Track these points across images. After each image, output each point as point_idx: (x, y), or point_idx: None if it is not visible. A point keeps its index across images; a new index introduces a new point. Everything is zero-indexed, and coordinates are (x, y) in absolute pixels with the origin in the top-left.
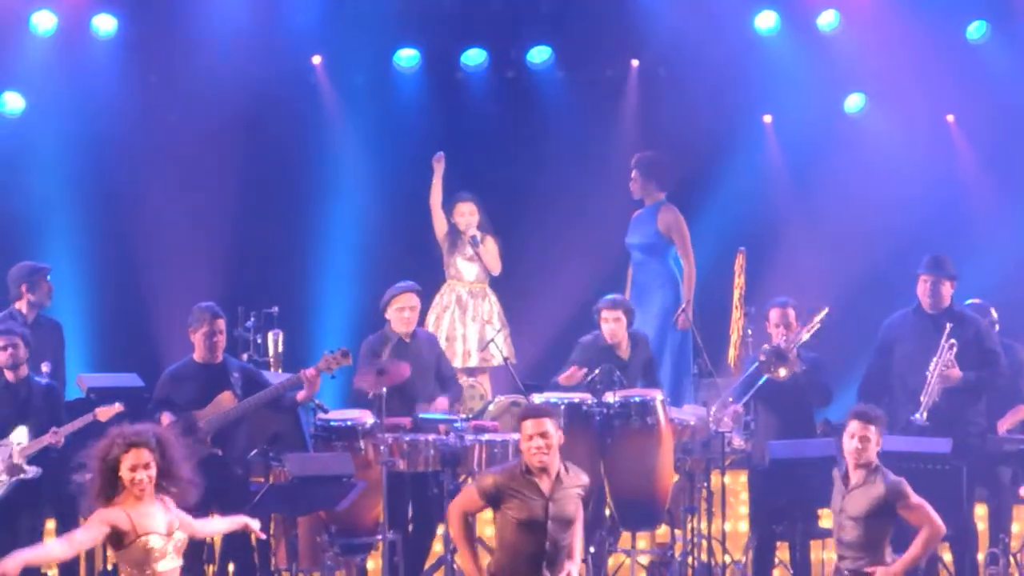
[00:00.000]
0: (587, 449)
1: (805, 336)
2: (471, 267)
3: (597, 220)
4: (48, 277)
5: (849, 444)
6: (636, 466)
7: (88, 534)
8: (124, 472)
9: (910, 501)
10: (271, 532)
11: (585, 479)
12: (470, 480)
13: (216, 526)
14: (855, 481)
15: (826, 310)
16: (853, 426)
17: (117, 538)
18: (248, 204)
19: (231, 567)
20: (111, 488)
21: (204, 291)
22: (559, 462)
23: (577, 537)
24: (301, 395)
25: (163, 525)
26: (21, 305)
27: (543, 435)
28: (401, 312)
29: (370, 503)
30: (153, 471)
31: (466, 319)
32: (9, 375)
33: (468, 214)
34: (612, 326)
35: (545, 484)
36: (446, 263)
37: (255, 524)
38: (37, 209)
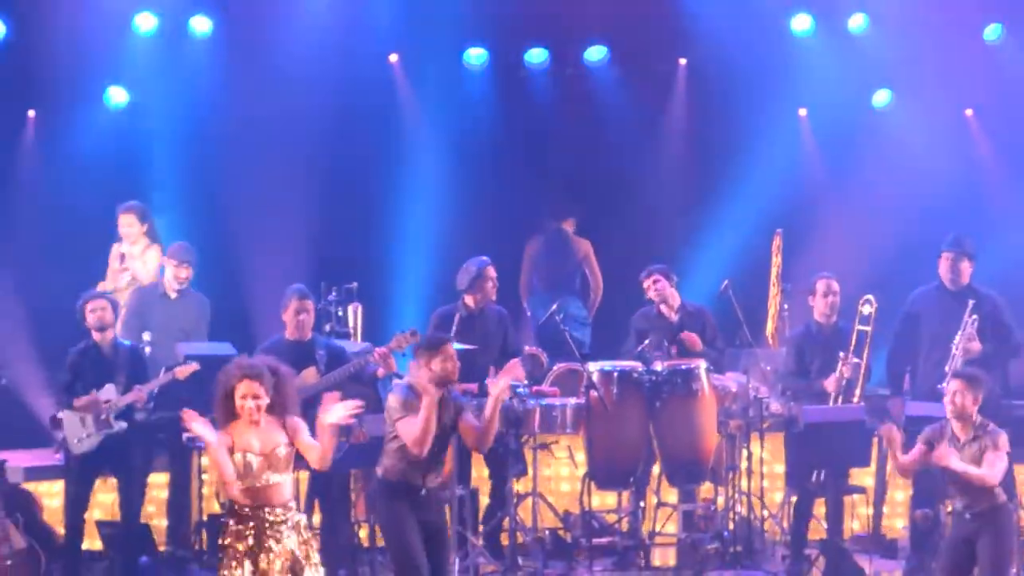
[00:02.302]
0: (638, 413)
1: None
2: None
3: (644, 206)
4: (188, 264)
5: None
6: (682, 428)
7: (225, 455)
8: (237, 399)
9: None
10: (351, 486)
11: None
12: (531, 440)
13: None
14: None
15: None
16: (954, 384)
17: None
18: (331, 190)
19: (316, 504)
20: (228, 412)
21: (292, 269)
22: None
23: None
24: (380, 372)
25: (260, 444)
26: (167, 279)
27: (451, 358)
28: (485, 283)
29: None
30: (264, 401)
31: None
32: (96, 336)
33: (127, 225)
34: (653, 288)
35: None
36: None
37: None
38: (141, 192)
